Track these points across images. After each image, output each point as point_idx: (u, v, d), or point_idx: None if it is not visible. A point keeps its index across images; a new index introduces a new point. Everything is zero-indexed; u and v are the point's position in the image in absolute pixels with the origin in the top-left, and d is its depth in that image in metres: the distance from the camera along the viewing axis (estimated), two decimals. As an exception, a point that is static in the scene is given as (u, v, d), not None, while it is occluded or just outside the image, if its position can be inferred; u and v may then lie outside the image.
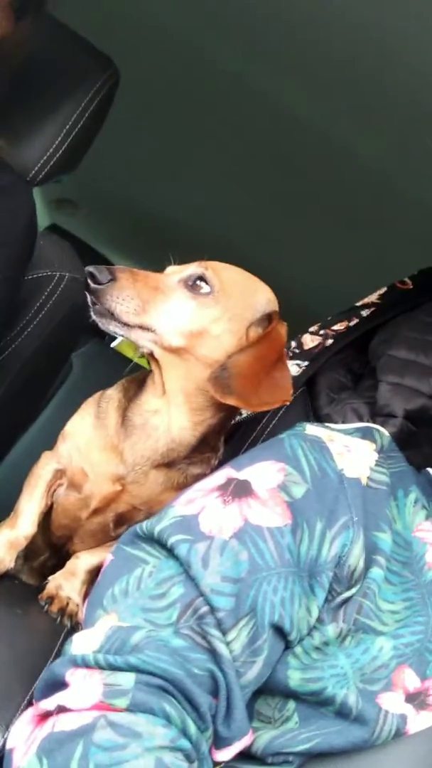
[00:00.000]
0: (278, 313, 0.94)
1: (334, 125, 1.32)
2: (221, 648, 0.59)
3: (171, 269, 0.94)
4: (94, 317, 0.89)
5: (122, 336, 0.90)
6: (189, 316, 0.89)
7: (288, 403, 0.93)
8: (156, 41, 1.39)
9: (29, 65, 1.13)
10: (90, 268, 0.86)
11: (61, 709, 0.56)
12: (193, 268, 0.91)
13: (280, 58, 1.24)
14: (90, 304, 0.88)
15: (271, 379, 0.90)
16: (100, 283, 0.86)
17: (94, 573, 0.95)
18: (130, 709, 0.55)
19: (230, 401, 0.87)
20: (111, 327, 0.89)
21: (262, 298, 0.94)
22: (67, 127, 1.16)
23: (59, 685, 0.59)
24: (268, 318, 0.94)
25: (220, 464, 0.92)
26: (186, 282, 0.90)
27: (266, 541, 0.64)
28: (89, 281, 0.86)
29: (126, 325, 0.88)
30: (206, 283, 0.90)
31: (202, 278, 0.90)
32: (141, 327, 0.89)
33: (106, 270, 0.86)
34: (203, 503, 0.67)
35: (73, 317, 1.29)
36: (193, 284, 0.90)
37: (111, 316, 0.87)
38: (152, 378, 0.95)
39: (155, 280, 0.90)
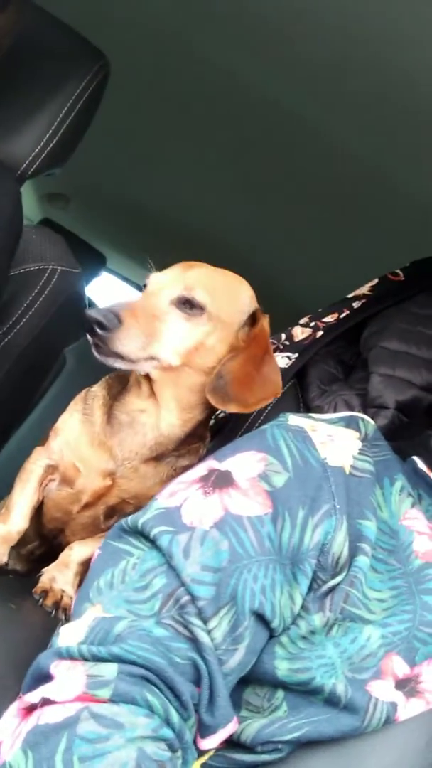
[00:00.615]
0: (260, 309, 0.95)
1: (328, 120, 1.32)
2: (202, 636, 0.60)
3: (155, 280, 0.92)
4: (99, 357, 0.87)
5: (127, 369, 0.90)
6: (186, 337, 0.90)
7: (279, 395, 0.94)
8: (151, 35, 1.38)
9: (19, 57, 1.12)
10: (95, 316, 0.83)
11: (46, 702, 0.56)
12: (181, 289, 0.89)
13: (273, 53, 1.24)
14: (93, 345, 0.86)
15: (262, 375, 0.92)
16: (107, 329, 0.83)
17: (87, 564, 0.95)
18: (112, 700, 0.55)
19: (231, 408, 0.89)
20: (117, 364, 0.88)
21: (246, 298, 0.95)
22: (58, 119, 1.15)
23: (44, 677, 0.59)
24: (252, 315, 0.95)
25: (208, 453, 0.93)
26: (178, 303, 0.89)
27: (246, 531, 0.64)
28: (96, 328, 0.83)
29: (133, 361, 0.88)
30: (198, 301, 0.89)
31: (193, 298, 0.89)
32: (146, 359, 0.89)
33: (112, 314, 0.83)
34: (185, 495, 0.67)
35: (65, 311, 1.29)
36: (184, 303, 0.89)
37: (119, 356, 0.86)
38: (136, 379, 0.96)
39: (150, 306, 0.88)
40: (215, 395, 0.89)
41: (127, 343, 0.85)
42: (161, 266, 0.95)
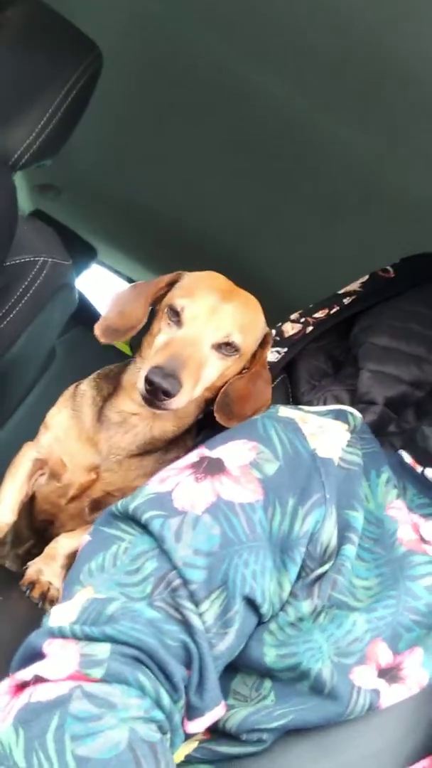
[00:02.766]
0: (269, 331, 0.97)
1: (321, 116, 1.32)
2: (194, 619, 0.60)
3: (193, 314, 0.89)
4: (150, 408, 0.87)
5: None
6: (216, 372, 0.91)
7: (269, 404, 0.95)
8: (144, 25, 1.38)
9: (12, 47, 1.12)
10: (164, 385, 0.82)
11: (38, 680, 0.56)
12: (223, 336, 0.89)
13: (269, 46, 1.24)
14: (144, 400, 0.85)
15: (257, 387, 0.95)
16: (171, 395, 0.83)
17: (74, 557, 0.95)
18: (105, 680, 0.55)
19: (232, 424, 0.90)
20: (162, 411, 0.90)
21: (262, 325, 0.96)
22: (50, 110, 1.15)
23: (36, 655, 0.59)
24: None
25: (197, 444, 0.93)
26: (218, 347, 0.90)
27: (238, 516, 0.65)
28: (160, 394, 0.83)
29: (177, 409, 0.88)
30: (236, 345, 0.91)
31: (233, 343, 0.90)
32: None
33: (176, 381, 0.83)
34: (177, 480, 0.68)
35: (56, 303, 1.28)
36: (222, 346, 0.90)
37: (170, 409, 0.86)
38: (132, 385, 0.95)
39: (198, 356, 0.87)
40: (221, 414, 0.91)
41: (182, 400, 0.85)
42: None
